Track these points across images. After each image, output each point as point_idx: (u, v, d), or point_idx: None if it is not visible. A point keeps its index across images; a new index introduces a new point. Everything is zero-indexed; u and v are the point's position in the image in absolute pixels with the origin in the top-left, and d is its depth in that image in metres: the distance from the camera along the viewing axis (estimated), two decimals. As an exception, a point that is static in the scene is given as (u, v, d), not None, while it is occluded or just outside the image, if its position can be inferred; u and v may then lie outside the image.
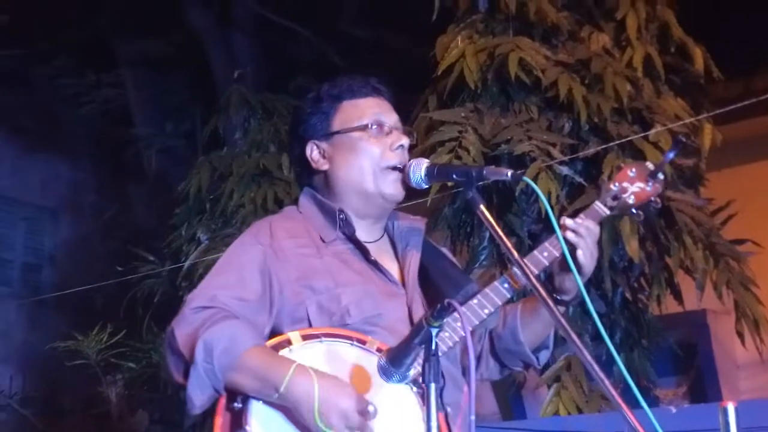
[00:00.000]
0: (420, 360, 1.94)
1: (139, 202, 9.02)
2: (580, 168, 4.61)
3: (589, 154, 4.54)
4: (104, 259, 7.38)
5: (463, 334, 2.19)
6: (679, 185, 4.62)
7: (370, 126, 2.40)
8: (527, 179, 2.23)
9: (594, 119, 4.54)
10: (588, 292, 4.97)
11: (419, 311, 2.30)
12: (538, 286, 2.12)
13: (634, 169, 2.48)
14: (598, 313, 5.06)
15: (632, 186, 2.45)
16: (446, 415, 2.18)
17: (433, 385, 1.86)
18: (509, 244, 2.17)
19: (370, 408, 2.01)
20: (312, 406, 1.98)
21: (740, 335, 4.65)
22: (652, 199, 2.48)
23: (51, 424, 7.70)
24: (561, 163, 4.45)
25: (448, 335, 2.20)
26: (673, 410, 4.05)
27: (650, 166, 2.49)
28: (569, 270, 2.31)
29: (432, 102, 4.90)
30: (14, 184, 9.73)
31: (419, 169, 2.34)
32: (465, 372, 2.36)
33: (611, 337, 4.86)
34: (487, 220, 2.19)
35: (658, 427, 1.91)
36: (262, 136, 6.15)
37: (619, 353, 4.88)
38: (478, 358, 2.57)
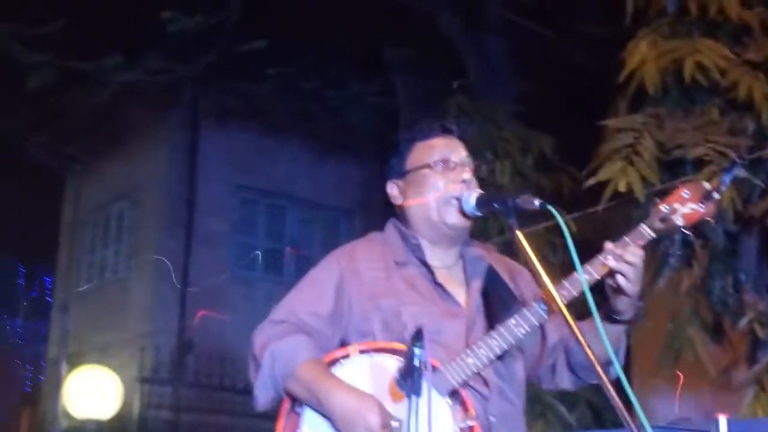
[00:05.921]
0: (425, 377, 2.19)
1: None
2: (768, 169, 4.48)
3: (768, 155, 4.40)
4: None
5: (499, 352, 2.40)
6: None
7: (435, 163, 2.65)
8: (550, 208, 2.36)
9: (776, 118, 4.40)
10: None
11: (479, 331, 2.51)
12: (564, 310, 2.26)
13: (688, 190, 2.40)
14: None
15: (683, 207, 2.40)
16: (490, 427, 2.38)
17: (413, 397, 2.15)
18: (542, 271, 2.31)
19: (394, 423, 2.30)
20: (343, 417, 2.35)
21: None
22: (707, 219, 2.40)
23: None
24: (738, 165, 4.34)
25: (485, 353, 2.39)
26: None
27: (706, 186, 2.40)
28: (622, 293, 2.41)
29: (622, 107, 4.95)
30: (313, 188, 11.43)
31: (470, 198, 2.55)
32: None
33: None
34: (522, 246, 2.36)
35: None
36: (479, 142, 6.38)
37: None
38: (553, 370, 2.72)
